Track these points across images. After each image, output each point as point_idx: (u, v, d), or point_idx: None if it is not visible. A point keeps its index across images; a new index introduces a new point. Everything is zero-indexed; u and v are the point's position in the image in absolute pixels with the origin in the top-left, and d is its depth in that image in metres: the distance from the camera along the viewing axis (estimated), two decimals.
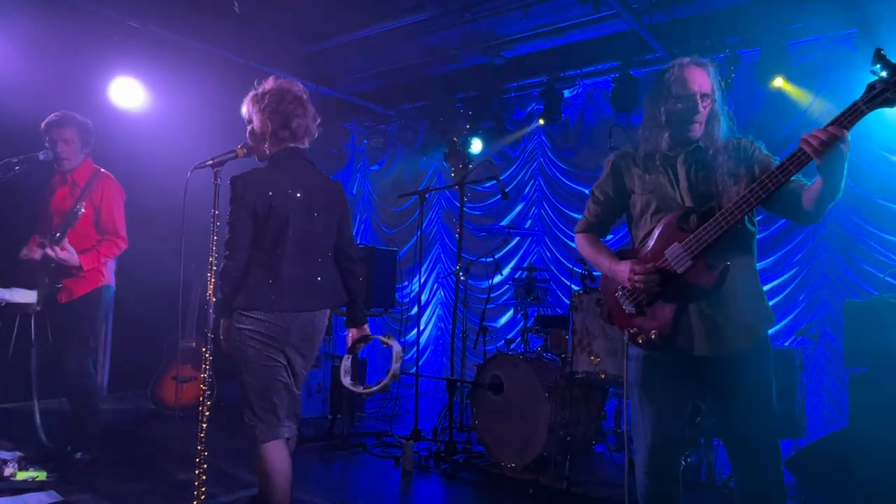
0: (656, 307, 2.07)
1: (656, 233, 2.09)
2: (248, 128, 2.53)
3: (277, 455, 2.39)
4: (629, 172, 2.22)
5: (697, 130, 2.09)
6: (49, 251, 3.38)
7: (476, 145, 6.68)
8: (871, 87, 1.72)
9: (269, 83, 2.52)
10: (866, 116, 1.77)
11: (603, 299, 2.30)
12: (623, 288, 2.14)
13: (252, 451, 2.41)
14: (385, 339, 2.64)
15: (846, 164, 1.80)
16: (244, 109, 2.54)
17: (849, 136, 1.74)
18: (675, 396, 2.11)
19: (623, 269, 2.12)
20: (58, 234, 3.44)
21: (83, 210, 3.45)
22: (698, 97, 2.06)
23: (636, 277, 2.06)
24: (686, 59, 2.12)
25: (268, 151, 2.50)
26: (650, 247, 2.10)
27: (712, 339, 2.01)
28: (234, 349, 2.40)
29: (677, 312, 2.03)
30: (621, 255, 2.22)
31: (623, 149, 2.30)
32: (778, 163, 1.89)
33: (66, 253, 3.42)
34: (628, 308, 2.14)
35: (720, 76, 2.14)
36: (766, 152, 2.09)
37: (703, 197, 2.05)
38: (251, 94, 2.52)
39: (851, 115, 1.73)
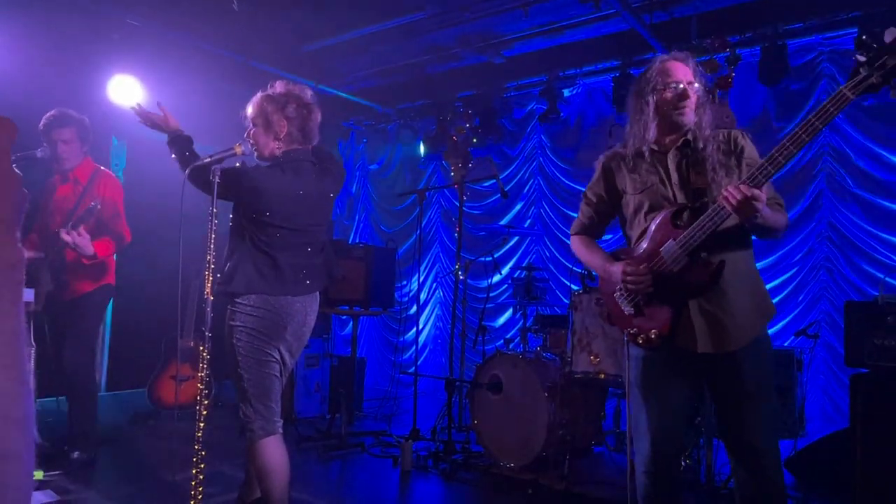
0: (654, 307, 2.06)
1: (650, 231, 2.09)
2: (254, 127, 2.56)
3: (276, 450, 2.42)
4: (620, 173, 2.22)
5: (689, 116, 2.08)
6: (65, 235, 3.36)
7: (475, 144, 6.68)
8: (855, 72, 1.72)
9: (281, 86, 2.59)
10: (866, 113, 1.77)
11: (602, 300, 2.29)
12: (620, 289, 2.14)
13: (249, 448, 2.42)
14: None
15: (766, 221, 1.90)
16: (253, 108, 2.57)
17: (761, 195, 1.81)
18: (675, 396, 2.10)
19: (616, 271, 2.12)
20: (71, 223, 3.42)
21: (99, 205, 3.44)
22: (685, 83, 2.07)
23: (629, 279, 2.06)
24: (665, 55, 2.14)
25: (277, 151, 2.55)
26: (645, 246, 2.10)
27: (714, 336, 1.99)
28: (230, 345, 2.41)
29: (676, 311, 2.02)
30: (617, 256, 2.21)
31: (613, 149, 2.30)
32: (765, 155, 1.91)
33: (83, 239, 3.39)
34: (627, 309, 2.13)
35: (702, 75, 2.15)
36: (751, 145, 2.10)
37: (696, 192, 2.05)
38: (265, 94, 2.57)
39: (837, 103, 1.73)
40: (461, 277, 4.78)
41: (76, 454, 3.54)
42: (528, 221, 6.70)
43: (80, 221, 3.41)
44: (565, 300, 4.83)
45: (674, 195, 2.08)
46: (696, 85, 2.09)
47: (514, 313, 6.41)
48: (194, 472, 2.30)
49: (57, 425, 3.85)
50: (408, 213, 7.63)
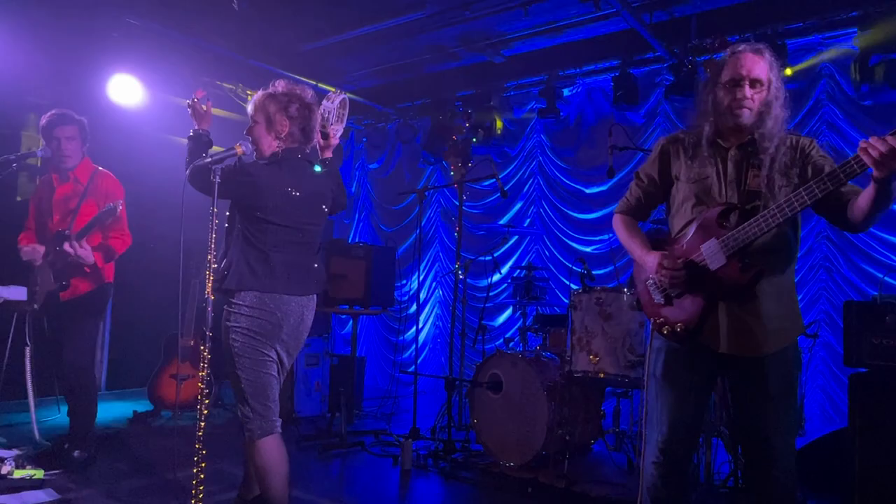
0: (685, 300, 2.03)
1: (695, 225, 2.04)
2: (255, 125, 2.58)
3: (276, 450, 2.43)
4: (677, 158, 2.16)
5: (746, 117, 1.98)
6: (68, 247, 3.37)
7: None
8: None
9: (283, 85, 2.60)
10: (865, 113, 1.76)
11: (634, 285, 2.27)
12: (654, 277, 2.11)
13: (247, 448, 2.43)
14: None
15: None
16: (255, 107, 2.59)
17: None
18: (693, 391, 2.08)
19: (652, 261, 2.08)
20: (77, 232, 3.42)
21: (121, 206, 3.44)
22: (746, 81, 1.97)
23: (663, 272, 2.03)
24: (742, 46, 2.02)
25: (278, 150, 2.57)
26: (687, 239, 2.05)
27: (738, 339, 1.97)
28: (226, 346, 2.42)
29: (706, 308, 1.99)
30: (657, 244, 2.17)
31: (675, 133, 2.24)
32: (832, 166, 1.82)
33: (84, 251, 3.41)
34: (657, 297, 2.10)
35: (779, 72, 2.03)
36: (822, 153, 2.01)
37: (749, 194, 1.98)
38: (267, 92, 2.59)
39: None
40: (461, 277, 4.79)
41: (76, 453, 3.54)
42: (528, 221, 6.70)
43: (99, 222, 3.42)
44: (565, 300, 4.83)
45: (725, 192, 2.03)
46: (766, 82, 1.98)
47: (514, 313, 6.41)
48: (195, 470, 2.30)
49: (57, 424, 3.85)
50: (407, 212, 7.63)
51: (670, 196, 2.20)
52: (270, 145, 2.58)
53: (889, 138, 1.62)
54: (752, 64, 1.98)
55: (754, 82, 1.98)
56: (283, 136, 2.56)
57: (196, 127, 2.62)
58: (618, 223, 2.32)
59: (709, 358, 2.03)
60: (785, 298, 2.02)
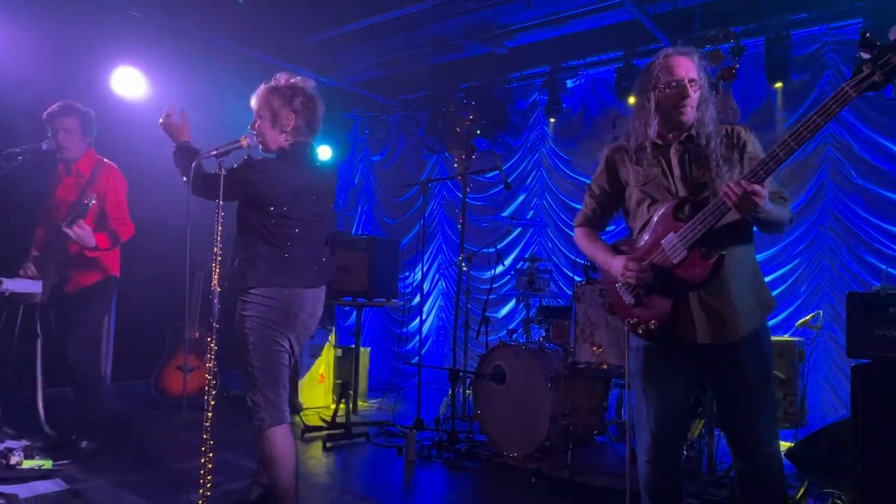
0: (654, 298, 2.08)
1: (652, 223, 2.10)
2: (260, 120, 2.57)
3: (285, 439, 2.44)
4: (623, 165, 2.23)
5: (689, 114, 2.08)
6: (66, 229, 3.38)
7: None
8: (857, 69, 1.72)
9: (287, 78, 2.59)
10: (870, 103, 1.77)
11: (605, 290, 2.32)
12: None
13: (258, 438, 2.44)
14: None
15: (771, 215, 1.90)
16: (258, 101, 2.58)
17: (765, 191, 1.80)
18: (676, 385, 2.12)
19: (617, 265, 2.14)
20: (69, 218, 3.43)
21: (93, 202, 3.45)
22: (686, 81, 2.06)
23: (628, 273, 2.08)
24: (670, 49, 2.13)
25: (285, 144, 2.57)
26: (647, 238, 2.11)
27: (714, 327, 2.02)
28: (240, 335, 2.43)
29: (676, 302, 2.04)
30: (618, 247, 2.23)
31: (616, 142, 2.31)
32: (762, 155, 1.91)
33: (83, 231, 3.40)
34: (627, 299, 2.15)
35: (707, 70, 2.13)
36: (754, 140, 2.09)
37: (698, 186, 2.06)
38: (270, 86, 2.58)
39: (839, 100, 1.73)
40: (464, 268, 4.80)
41: (84, 444, 3.57)
42: (531, 213, 6.70)
43: (77, 216, 3.43)
44: (568, 291, 4.84)
45: (676, 188, 2.10)
46: (699, 81, 2.08)
47: (517, 304, 6.43)
48: (203, 460, 2.32)
49: (66, 415, 3.88)
50: (410, 204, 7.64)
51: (625, 202, 2.28)
52: (276, 139, 2.57)
53: (743, 182, 1.80)
54: (688, 66, 2.08)
55: (692, 81, 2.07)
56: (288, 129, 2.55)
57: (176, 142, 2.60)
58: (579, 236, 2.40)
59: (687, 351, 2.08)
60: (751, 276, 2.09)
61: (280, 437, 2.42)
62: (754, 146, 2.08)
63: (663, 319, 2.05)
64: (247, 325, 2.42)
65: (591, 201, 2.37)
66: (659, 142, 2.14)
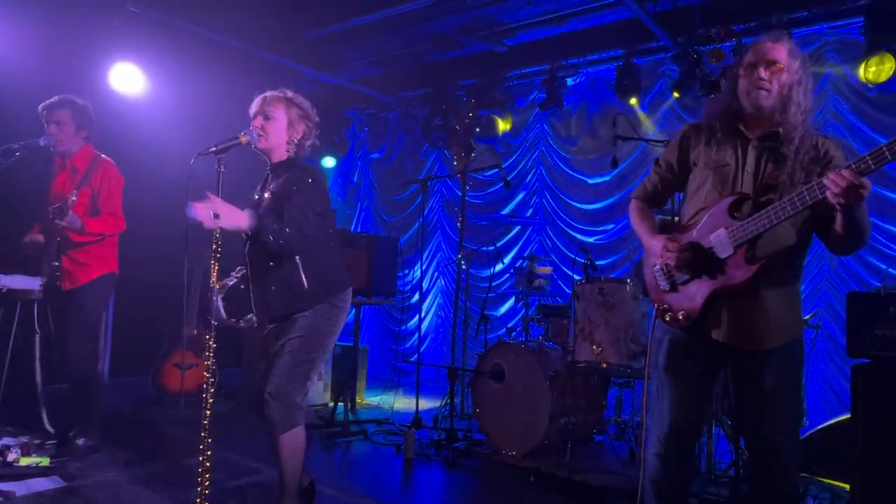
0: (690, 288, 2.03)
1: (706, 214, 2.03)
2: (273, 121, 2.62)
3: (304, 436, 2.59)
4: (698, 144, 2.15)
5: (764, 97, 1.97)
6: (56, 220, 3.38)
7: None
8: None
9: (301, 98, 2.72)
10: (870, 103, 1.76)
11: (643, 271, 2.28)
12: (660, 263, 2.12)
13: (285, 436, 2.49)
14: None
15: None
16: (274, 104, 2.63)
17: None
18: (696, 381, 2.08)
19: (657, 244, 2.08)
20: (51, 215, 3.42)
21: (74, 199, 3.43)
22: (762, 63, 1.97)
23: (667, 255, 2.03)
24: (763, 36, 2.04)
25: (288, 152, 2.68)
26: (697, 227, 2.05)
27: (739, 331, 1.97)
28: (308, 339, 2.54)
29: (709, 298, 1.98)
30: (666, 229, 2.17)
31: (698, 121, 2.24)
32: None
33: (70, 217, 3.40)
34: (663, 284, 2.11)
35: (804, 62, 2.01)
36: (843, 157, 1.98)
37: (766, 187, 1.97)
38: (288, 95, 2.68)
39: (877, 160, 1.66)
40: (463, 267, 4.79)
41: (81, 441, 3.56)
42: (531, 211, 6.69)
43: (59, 214, 3.41)
44: (567, 290, 4.83)
45: (742, 182, 2.01)
46: (787, 67, 1.97)
47: (516, 303, 6.42)
48: (201, 458, 2.32)
49: (63, 412, 3.87)
50: (409, 201, 7.62)
51: (688, 182, 2.20)
52: (283, 144, 2.66)
53: (849, 173, 1.66)
54: (769, 48, 1.99)
55: (770, 63, 1.98)
56: (296, 140, 2.67)
57: (243, 227, 2.39)
58: (632, 209, 2.32)
59: (711, 349, 2.03)
60: (788, 296, 2.01)
61: (302, 434, 2.58)
62: (841, 162, 1.96)
63: (693, 312, 2.01)
64: (332, 332, 2.60)
65: (655, 176, 2.29)
66: (742, 130, 2.05)
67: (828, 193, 1.71)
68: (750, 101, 2.00)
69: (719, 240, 1.96)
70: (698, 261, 1.99)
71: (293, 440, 2.51)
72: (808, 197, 1.80)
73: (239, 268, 2.71)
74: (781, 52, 1.99)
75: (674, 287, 2.08)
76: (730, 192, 2.02)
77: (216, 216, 2.29)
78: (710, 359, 2.07)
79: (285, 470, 2.53)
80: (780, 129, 1.99)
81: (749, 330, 1.96)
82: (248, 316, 2.65)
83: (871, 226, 1.94)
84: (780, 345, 1.97)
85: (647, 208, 2.31)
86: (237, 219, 2.34)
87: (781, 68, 1.98)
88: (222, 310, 2.56)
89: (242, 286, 2.68)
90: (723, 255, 1.96)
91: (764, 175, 1.99)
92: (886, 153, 1.65)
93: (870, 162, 1.68)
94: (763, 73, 1.97)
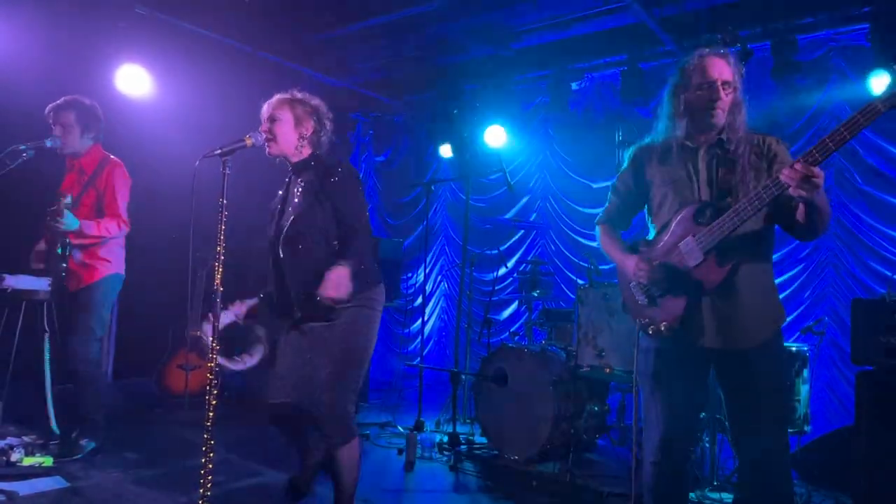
0: (668, 299, 2.08)
1: (672, 225, 2.10)
2: (279, 122, 2.61)
3: (360, 445, 2.58)
4: (650, 164, 2.21)
5: (720, 117, 2.06)
6: (53, 223, 3.39)
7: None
8: (890, 86, 1.72)
9: (307, 95, 2.70)
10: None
11: (620, 289, 2.32)
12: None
13: (342, 448, 2.49)
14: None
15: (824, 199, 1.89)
16: (280, 105, 2.63)
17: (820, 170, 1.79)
18: (686, 387, 2.11)
19: (630, 263, 2.14)
20: (48, 216, 3.43)
21: (69, 200, 3.44)
22: (719, 83, 2.04)
23: (640, 273, 2.09)
24: (706, 50, 2.10)
25: (299, 151, 2.66)
26: (665, 239, 2.11)
27: (724, 333, 2.01)
28: (352, 342, 2.50)
29: (689, 305, 2.04)
30: (636, 247, 2.22)
31: (644, 141, 2.29)
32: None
33: (66, 219, 3.38)
34: (640, 299, 2.15)
35: (742, 73, 2.12)
36: (786, 151, 2.07)
37: (722, 192, 2.04)
38: (294, 96, 2.66)
39: (868, 114, 1.73)
40: (467, 270, 4.79)
41: (84, 441, 3.56)
42: (534, 215, 6.69)
43: (56, 214, 3.40)
44: (570, 294, 4.84)
45: (699, 192, 2.08)
46: (733, 84, 2.06)
47: (519, 307, 6.42)
48: (203, 460, 2.32)
49: (65, 413, 3.88)
50: (413, 205, 7.63)
51: (649, 200, 2.26)
52: (293, 142, 2.63)
53: (801, 165, 1.78)
54: (721, 67, 2.06)
55: (725, 84, 2.05)
56: (307, 136, 2.64)
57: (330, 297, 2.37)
58: (600, 234, 2.40)
59: (698, 354, 2.07)
60: (763, 290, 2.07)
61: (358, 444, 2.55)
62: (784, 157, 2.05)
63: (674, 322, 2.06)
64: (371, 332, 2.56)
65: (615, 199, 2.35)
66: (688, 143, 2.12)
67: (790, 189, 1.81)
68: (706, 119, 2.07)
69: (689, 248, 2.03)
70: (671, 273, 2.04)
71: (350, 452, 2.49)
72: (765, 195, 1.89)
73: (237, 303, 2.68)
74: (731, 71, 2.07)
75: (652, 301, 2.13)
76: (690, 201, 2.08)
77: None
78: (698, 365, 2.11)
79: (344, 483, 2.51)
80: (724, 136, 2.07)
81: (730, 331, 2.01)
82: (244, 355, 2.61)
83: (831, 213, 2.01)
84: (760, 342, 2.01)
85: (614, 230, 2.37)
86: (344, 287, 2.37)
87: (731, 87, 2.06)
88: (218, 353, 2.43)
89: (243, 322, 2.66)
90: (694, 263, 2.01)
91: (718, 181, 2.06)
92: (830, 144, 1.79)
93: (816, 154, 1.80)
94: (722, 93, 2.04)
